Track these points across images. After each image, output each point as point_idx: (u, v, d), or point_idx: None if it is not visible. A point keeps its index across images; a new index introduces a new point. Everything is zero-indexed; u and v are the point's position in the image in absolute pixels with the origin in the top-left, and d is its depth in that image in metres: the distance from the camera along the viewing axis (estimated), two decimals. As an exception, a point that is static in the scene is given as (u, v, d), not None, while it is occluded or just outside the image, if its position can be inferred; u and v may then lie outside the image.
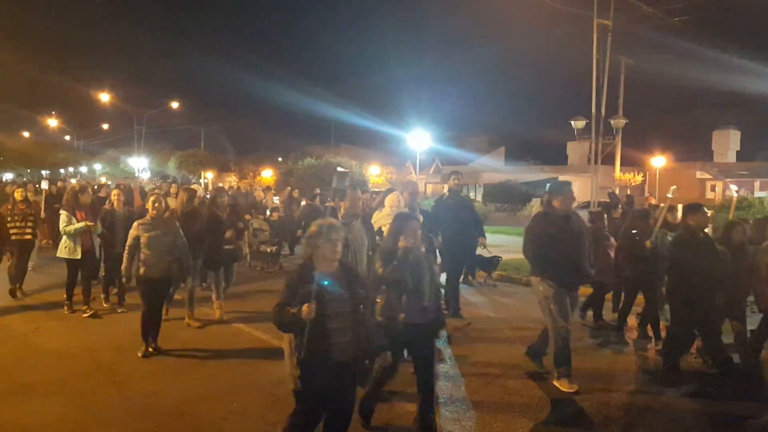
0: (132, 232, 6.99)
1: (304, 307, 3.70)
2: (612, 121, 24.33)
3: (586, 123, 22.54)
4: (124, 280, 7.40)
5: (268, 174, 44.32)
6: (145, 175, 52.55)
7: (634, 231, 8.09)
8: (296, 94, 79.92)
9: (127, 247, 7.00)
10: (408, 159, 49.81)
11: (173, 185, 15.19)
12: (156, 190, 12.03)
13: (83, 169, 67.61)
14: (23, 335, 7.83)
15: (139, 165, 53.58)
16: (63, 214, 8.68)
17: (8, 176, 53.96)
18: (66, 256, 8.75)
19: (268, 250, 13.50)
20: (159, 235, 6.99)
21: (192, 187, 12.79)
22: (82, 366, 6.61)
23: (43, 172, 69.09)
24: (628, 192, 26.49)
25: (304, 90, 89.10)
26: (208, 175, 53.46)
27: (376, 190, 23.01)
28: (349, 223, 5.86)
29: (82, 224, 8.60)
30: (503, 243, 18.37)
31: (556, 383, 6.04)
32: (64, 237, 8.72)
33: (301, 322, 3.73)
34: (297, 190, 18.78)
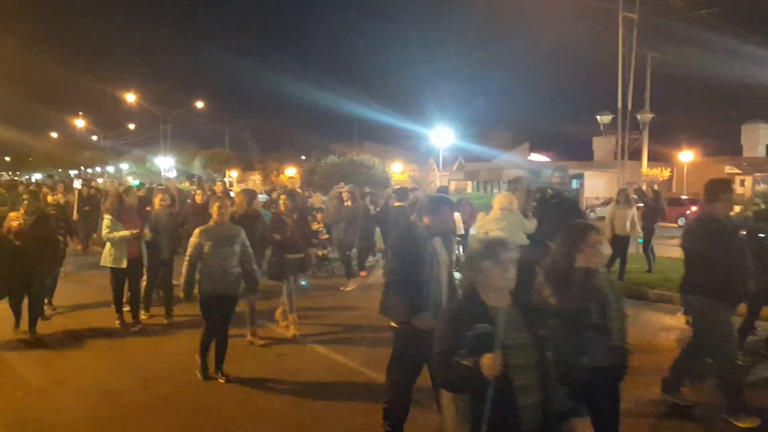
0: (193, 240, 6.09)
1: (486, 359, 2.73)
2: (639, 116, 23.94)
3: (612, 118, 22.21)
4: (183, 295, 6.31)
5: (291, 172, 44.46)
6: (171, 175, 53.09)
7: (762, 234, 7.04)
8: (319, 92, 79.94)
9: (188, 258, 6.08)
10: (431, 156, 49.59)
11: (218, 183, 14.58)
12: (197, 190, 11.56)
13: (110, 168, 68.49)
14: (59, 356, 7.03)
15: (165, 164, 54.09)
16: (106, 219, 7.89)
17: (37, 176, 54.80)
18: (111, 265, 7.99)
19: (319, 253, 12.91)
20: (225, 245, 6.15)
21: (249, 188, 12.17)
22: (133, 397, 5.75)
23: (72, 172, 70.26)
24: (656, 187, 26.10)
25: (326, 87, 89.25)
26: (233, 174, 53.86)
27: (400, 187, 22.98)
28: (431, 238, 4.54)
29: (127, 233, 7.80)
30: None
31: (732, 420, 5.13)
32: (108, 244, 7.94)
33: (480, 379, 2.76)
34: (346, 190, 17.81)
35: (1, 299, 7.48)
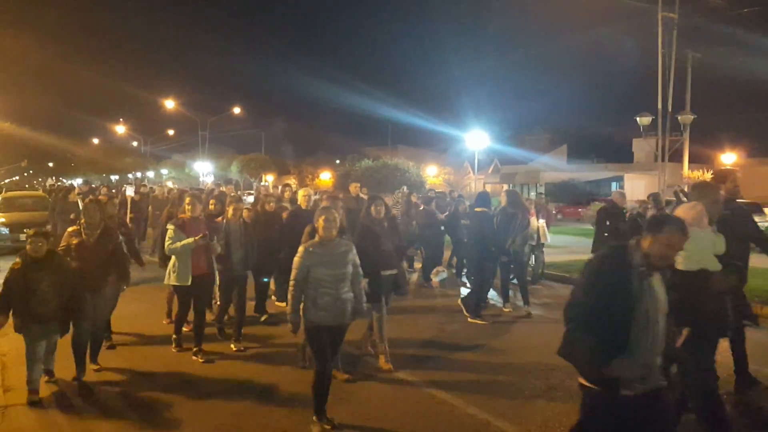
0: (299, 261, 5.14)
1: None
2: (679, 117, 23.49)
3: (653, 119, 21.83)
4: (291, 328, 5.28)
5: (326, 176, 44.74)
6: (209, 179, 53.86)
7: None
8: (354, 96, 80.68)
9: (292, 283, 5.16)
10: (466, 159, 49.45)
11: (287, 190, 12.94)
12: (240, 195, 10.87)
13: (150, 173, 69.76)
14: (107, 388, 6.08)
15: (204, 169, 54.89)
16: (169, 229, 6.99)
17: (78, 181, 56.09)
18: (174, 283, 7.05)
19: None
20: (337, 266, 5.20)
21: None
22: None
23: (113, 177, 71.78)
24: (697, 190, 25.49)
25: (361, 91, 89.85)
26: (269, 178, 54.39)
27: (435, 190, 22.83)
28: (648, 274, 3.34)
29: (190, 241, 6.81)
30: (567, 243, 17.92)
31: None
32: (173, 258, 7.01)
33: None
34: (415, 194, 16.86)
35: (63, 334, 6.02)
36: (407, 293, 7.94)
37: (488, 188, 51.82)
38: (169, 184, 39.83)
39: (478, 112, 49.62)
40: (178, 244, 6.85)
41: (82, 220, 6.46)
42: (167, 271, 7.12)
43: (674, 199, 13.08)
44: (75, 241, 6.33)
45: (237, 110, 53.34)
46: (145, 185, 22.04)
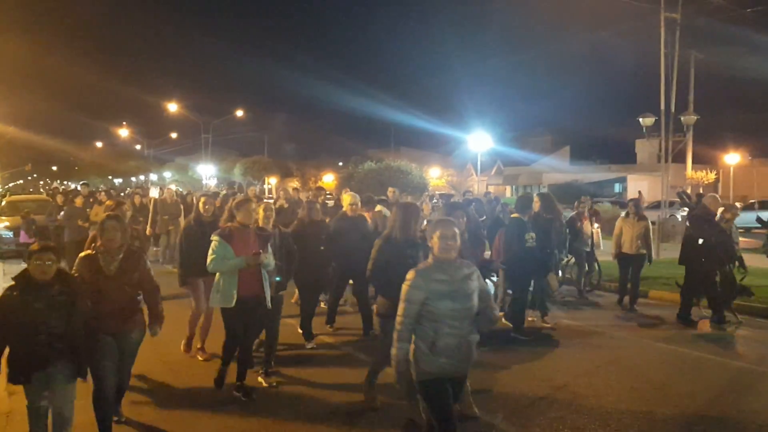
0: (412, 292, 3.90)
1: None
2: (682, 118, 23.44)
3: (655, 120, 21.79)
4: (396, 379, 4.08)
5: (329, 178, 44.75)
6: (213, 182, 53.92)
7: None
8: (357, 98, 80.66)
9: (401, 320, 3.92)
10: (469, 161, 49.39)
11: (322, 194, 11.94)
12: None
13: (153, 176, 69.95)
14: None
15: (207, 172, 54.98)
16: (214, 241, 5.74)
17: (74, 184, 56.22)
18: (219, 305, 5.89)
19: None
20: (461, 297, 3.94)
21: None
22: None
23: (116, 181, 71.91)
24: (700, 191, 25.49)
25: (364, 94, 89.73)
26: (272, 181, 54.44)
27: (440, 193, 22.83)
28: None
29: (240, 261, 5.62)
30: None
31: None
32: (218, 275, 5.81)
33: None
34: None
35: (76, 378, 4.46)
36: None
37: (491, 189, 51.93)
38: (173, 187, 39.87)
39: (481, 114, 49.72)
40: (231, 263, 5.64)
41: (98, 243, 4.89)
42: (212, 291, 5.92)
43: (678, 200, 13.05)
44: (89, 270, 4.77)
45: (240, 113, 53.49)
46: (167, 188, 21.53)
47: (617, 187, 48.85)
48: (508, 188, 56.35)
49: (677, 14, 20.30)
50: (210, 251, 5.74)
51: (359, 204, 8.34)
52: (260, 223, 6.22)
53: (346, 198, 8.41)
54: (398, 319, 3.95)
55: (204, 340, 7.10)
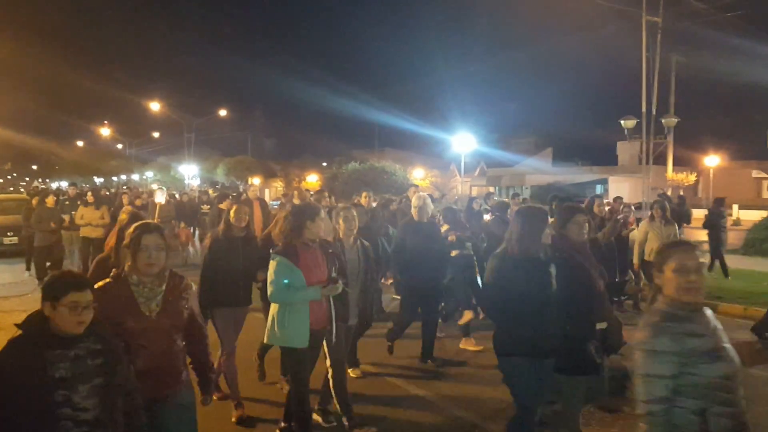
0: (659, 367, 2.61)
1: None
2: (663, 120, 23.73)
3: (637, 122, 22.03)
4: None
5: (313, 179, 44.69)
6: (195, 182, 53.63)
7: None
8: (340, 99, 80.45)
9: (649, 406, 2.62)
10: (453, 162, 49.52)
11: (323, 197, 11.10)
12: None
13: (135, 176, 69.37)
14: None
15: (189, 172, 54.66)
16: (277, 263, 4.40)
17: (64, 184, 55.66)
18: (285, 344, 4.53)
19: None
20: (725, 358, 2.72)
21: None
22: None
23: (97, 180, 71.27)
24: (681, 192, 25.79)
25: (348, 94, 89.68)
26: (255, 181, 54.27)
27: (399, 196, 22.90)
28: None
29: (314, 291, 4.40)
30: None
31: None
32: (275, 306, 4.53)
33: None
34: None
35: None
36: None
37: (474, 191, 52.14)
38: (154, 187, 39.57)
39: (465, 115, 49.85)
40: (304, 295, 4.38)
41: (126, 266, 3.26)
42: (267, 326, 4.57)
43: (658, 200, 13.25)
44: (121, 310, 3.16)
45: (223, 112, 53.26)
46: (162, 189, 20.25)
47: (599, 189, 49.22)
48: (492, 189, 56.61)
49: (659, 18, 20.56)
50: (271, 275, 4.39)
51: (430, 207, 6.99)
52: (341, 235, 5.18)
53: (414, 200, 7.06)
54: (643, 401, 2.63)
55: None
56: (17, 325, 2.71)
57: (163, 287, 3.29)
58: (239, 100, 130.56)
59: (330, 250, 4.70)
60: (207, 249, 5.61)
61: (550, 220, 4.10)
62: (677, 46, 25.84)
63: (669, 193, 20.40)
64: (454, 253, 7.38)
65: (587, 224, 4.36)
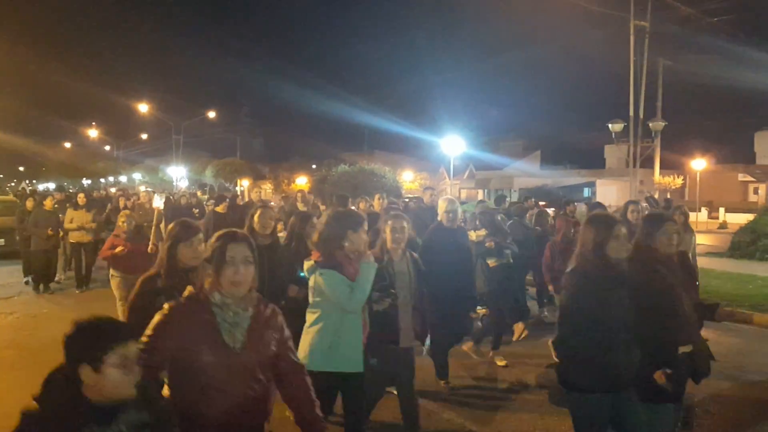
0: None
1: None
2: (650, 124, 23.90)
3: (624, 126, 22.17)
4: None
5: (302, 181, 44.61)
6: (183, 184, 53.40)
7: None
8: (329, 101, 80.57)
9: None
10: (442, 164, 49.59)
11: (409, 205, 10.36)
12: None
13: (123, 178, 69.02)
14: None
15: (177, 174, 54.43)
16: (329, 277, 3.81)
17: (51, 186, 55.29)
18: (335, 370, 3.83)
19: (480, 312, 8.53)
20: None
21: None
22: None
23: (84, 182, 70.81)
24: (668, 195, 25.96)
25: (337, 97, 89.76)
26: (244, 183, 54.10)
27: (411, 196, 22.91)
28: None
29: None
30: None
31: None
32: (317, 327, 3.89)
33: None
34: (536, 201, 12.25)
35: None
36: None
37: (464, 193, 52.28)
38: (142, 188, 39.38)
39: (454, 118, 49.83)
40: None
41: (206, 283, 2.66)
42: (301, 346, 3.83)
43: (646, 205, 13.30)
44: (202, 341, 2.53)
45: (212, 114, 53.11)
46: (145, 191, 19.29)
47: (586, 192, 49.50)
48: (481, 192, 56.79)
49: (646, 22, 20.71)
50: (329, 288, 3.78)
51: (459, 212, 6.30)
52: (389, 245, 4.49)
53: (443, 204, 6.29)
54: None
55: None
56: (35, 399, 2.04)
57: (250, 311, 2.65)
58: (228, 101, 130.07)
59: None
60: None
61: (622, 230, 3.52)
62: (665, 51, 26.03)
63: (656, 196, 20.51)
64: (492, 263, 6.71)
65: (677, 235, 3.86)
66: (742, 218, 21.03)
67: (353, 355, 3.84)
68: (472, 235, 6.78)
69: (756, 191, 44.73)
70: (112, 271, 8.05)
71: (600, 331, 3.32)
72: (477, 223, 7.20)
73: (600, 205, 10.85)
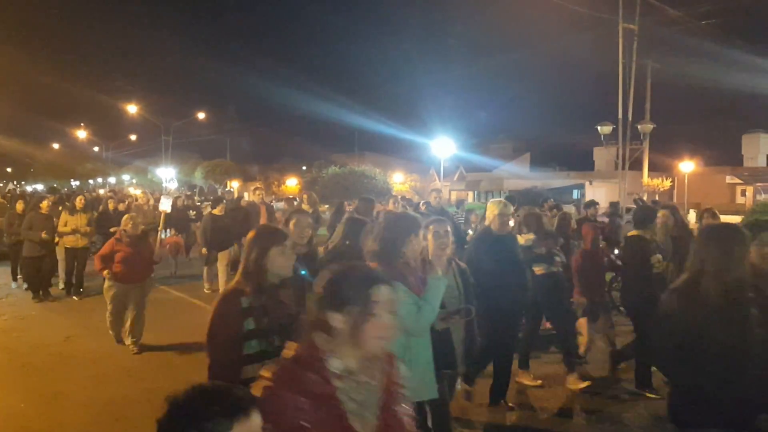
0: None
1: None
2: (639, 126, 24.05)
3: (613, 128, 22.29)
4: None
5: (292, 183, 44.57)
6: (173, 185, 53.18)
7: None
8: (320, 103, 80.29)
9: None
10: (432, 166, 49.69)
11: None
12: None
13: (112, 179, 68.66)
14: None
15: (167, 175, 54.20)
16: (405, 294, 3.32)
17: (39, 187, 54.88)
18: (420, 397, 3.51)
19: None
20: None
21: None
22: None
23: (73, 183, 70.34)
24: (656, 197, 26.13)
25: (327, 98, 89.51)
26: (234, 185, 53.94)
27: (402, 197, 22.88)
28: None
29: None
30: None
31: None
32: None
33: None
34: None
35: None
36: None
37: (453, 195, 52.32)
38: (131, 190, 39.17)
39: (444, 120, 49.93)
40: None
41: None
42: None
43: (635, 206, 13.38)
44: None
45: (201, 115, 52.90)
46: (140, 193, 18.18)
47: (575, 194, 49.74)
48: (471, 193, 56.92)
49: (635, 25, 20.82)
50: (414, 306, 3.31)
51: (510, 217, 5.61)
52: (431, 254, 3.79)
53: (494, 207, 5.60)
54: None
55: None
56: None
57: (379, 378, 1.94)
58: (218, 103, 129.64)
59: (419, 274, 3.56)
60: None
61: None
62: (653, 53, 26.23)
63: (645, 198, 20.64)
64: (539, 270, 6.16)
65: None
66: (730, 220, 21.16)
67: (427, 382, 3.45)
68: (521, 240, 6.08)
69: (743, 193, 45.00)
70: (108, 282, 7.43)
71: (710, 357, 2.87)
72: (522, 228, 6.28)
73: (594, 203, 10.93)
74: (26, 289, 11.16)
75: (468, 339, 4.00)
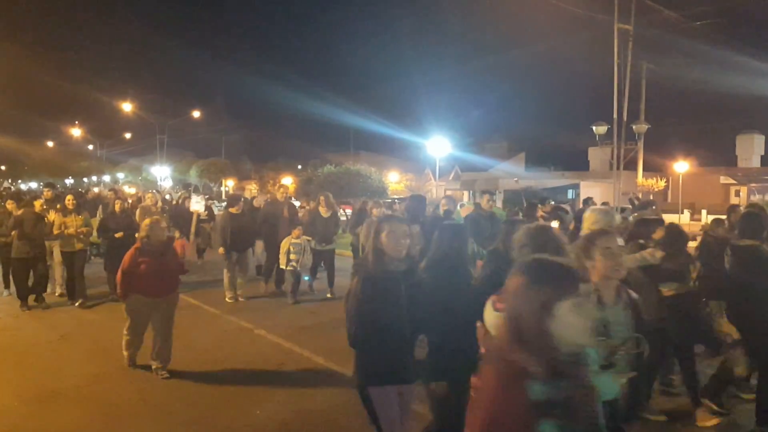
0: None
1: None
2: (634, 127, 24.11)
3: (608, 128, 22.35)
4: None
5: (287, 182, 44.55)
6: (167, 184, 53.07)
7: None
8: (315, 102, 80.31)
9: None
10: (427, 166, 49.73)
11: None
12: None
13: (106, 177, 68.47)
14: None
15: (161, 174, 54.08)
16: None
17: (33, 185, 54.72)
18: None
19: None
20: None
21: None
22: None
23: (67, 181, 70.13)
24: (651, 197, 26.20)
25: (323, 97, 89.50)
26: (229, 183, 53.88)
27: (397, 197, 22.92)
28: None
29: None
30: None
31: None
32: None
33: None
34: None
35: None
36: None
37: (449, 194, 52.32)
38: (126, 188, 39.06)
39: (440, 120, 49.98)
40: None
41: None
42: None
43: (629, 206, 13.43)
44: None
45: (196, 114, 52.82)
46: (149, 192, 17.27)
47: (570, 194, 49.81)
48: (466, 193, 56.96)
49: (630, 26, 20.88)
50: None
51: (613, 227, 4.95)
52: (596, 279, 3.21)
53: (593, 216, 5.05)
54: None
55: None
56: None
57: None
58: (213, 101, 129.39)
59: None
60: (357, 294, 3.45)
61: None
62: (648, 54, 26.29)
63: (640, 197, 20.67)
64: (668, 291, 5.49)
65: None
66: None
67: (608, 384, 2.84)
68: (646, 255, 5.20)
69: (737, 193, 45.16)
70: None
71: None
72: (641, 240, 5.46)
73: (591, 201, 10.98)
74: (11, 294, 10.46)
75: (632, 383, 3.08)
